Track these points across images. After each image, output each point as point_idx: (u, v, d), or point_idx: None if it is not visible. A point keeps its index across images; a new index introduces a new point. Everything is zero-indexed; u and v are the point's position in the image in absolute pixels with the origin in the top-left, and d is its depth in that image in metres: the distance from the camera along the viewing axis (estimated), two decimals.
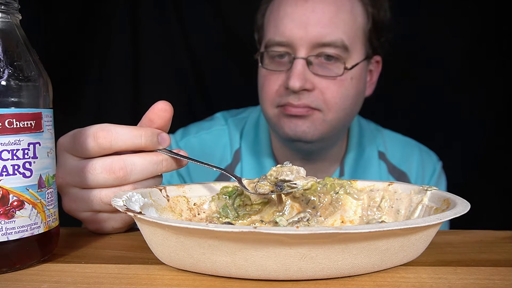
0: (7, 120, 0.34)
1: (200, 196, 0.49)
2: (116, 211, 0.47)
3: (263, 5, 0.87)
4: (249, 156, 0.92)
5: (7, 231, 0.35)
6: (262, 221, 0.48)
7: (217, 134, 0.95)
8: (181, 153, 0.48)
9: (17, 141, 0.35)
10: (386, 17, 0.85)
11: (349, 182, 0.49)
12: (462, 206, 0.37)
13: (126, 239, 0.48)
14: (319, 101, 0.78)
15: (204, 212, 0.48)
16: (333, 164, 0.92)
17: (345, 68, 0.78)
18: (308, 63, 0.77)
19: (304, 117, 0.79)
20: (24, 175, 0.35)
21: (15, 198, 0.35)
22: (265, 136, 0.93)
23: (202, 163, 0.49)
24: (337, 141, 0.89)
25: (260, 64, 0.84)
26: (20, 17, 0.37)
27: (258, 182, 0.46)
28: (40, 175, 0.36)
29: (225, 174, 0.48)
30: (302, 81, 0.75)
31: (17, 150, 0.35)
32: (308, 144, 0.82)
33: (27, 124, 0.35)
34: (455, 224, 0.56)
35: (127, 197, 0.40)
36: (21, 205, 0.35)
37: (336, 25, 0.77)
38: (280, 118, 0.81)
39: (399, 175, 0.92)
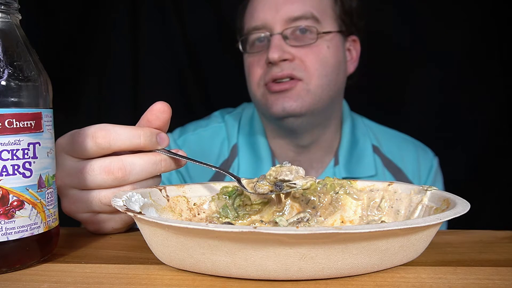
0: (7, 120, 0.34)
1: (200, 196, 0.49)
2: (115, 211, 0.47)
3: (242, 3, 0.93)
4: (246, 150, 0.93)
5: (7, 231, 0.35)
6: (262, 221, 0.48)
7: (215, 130, 0.97)
8: (180, 153, 0.48)
9: (17, 141, 0.35)
10: (352, 6, 0.90)
11: (349, 182, 0.49)
12: (462, 206, 0.37)
13: (126, 239, 0.48)
14: (300, 69, 0.82)
15: (204, 212, 0.48)
16: (328, 154, 0.93)
17: (318, 33, 0.83)
18: (284, 37, 0.82)
19: (289, 91, 0.82)
20: (24, 175, 0.35)
21: (15, 198, 0.35)
22: (260, 128, 0.94)
23: (201, 163, 0.49)
24: (327, 121, 0.90)
25: (242, 51, 0.89)
26: (20, 17, 0.37)
27: (257, 182, 0.46)
28: (40, 175, 0.36)
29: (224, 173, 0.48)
30: (280, 52, 0.80)
31: (17, 150, 0.35)
32: (298, 119, 0.84)
33: (27, 124, 0.35)
34: (455, 224, 0.56)
35: (127, 197, 0.40)
36: (21, 205, 0.35)
37: (304, 1, 0.84)
38: (267, 98, 0.84)
39: (395, 170, 0.93)
